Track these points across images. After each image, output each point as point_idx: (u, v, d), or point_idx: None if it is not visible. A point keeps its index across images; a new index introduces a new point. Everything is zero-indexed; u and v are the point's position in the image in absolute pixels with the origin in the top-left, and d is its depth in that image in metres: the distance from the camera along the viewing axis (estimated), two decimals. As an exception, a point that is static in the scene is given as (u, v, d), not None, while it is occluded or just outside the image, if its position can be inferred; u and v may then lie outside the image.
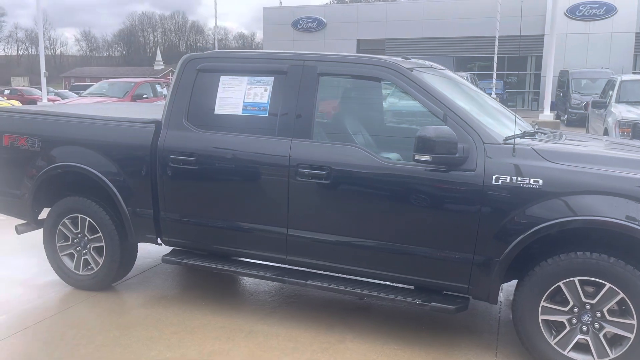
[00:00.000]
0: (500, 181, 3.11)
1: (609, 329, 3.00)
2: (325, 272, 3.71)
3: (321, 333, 3.67)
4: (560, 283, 3.06)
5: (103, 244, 4.24)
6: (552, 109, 19.46)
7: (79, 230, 4.34)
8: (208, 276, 4.71)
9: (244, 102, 3.80)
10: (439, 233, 3.29)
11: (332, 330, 3.70)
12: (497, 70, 27.04)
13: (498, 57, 27.20)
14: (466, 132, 3.22)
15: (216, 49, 28.41)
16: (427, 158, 3.12)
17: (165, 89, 16.27)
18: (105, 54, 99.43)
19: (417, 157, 3.15)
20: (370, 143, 3.75)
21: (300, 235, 3.61)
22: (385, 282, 3.59)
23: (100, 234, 4.24)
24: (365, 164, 3.41)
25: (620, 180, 2.94)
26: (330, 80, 3.75)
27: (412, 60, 3.80)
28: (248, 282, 4.65)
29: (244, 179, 3.74)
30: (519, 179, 3.08)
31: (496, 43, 26.92)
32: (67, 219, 4.35)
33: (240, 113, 3.80)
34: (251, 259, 3.92)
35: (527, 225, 3.05)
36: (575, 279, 3.02)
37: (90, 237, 4.31)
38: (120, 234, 4.21)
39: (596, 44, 29.44)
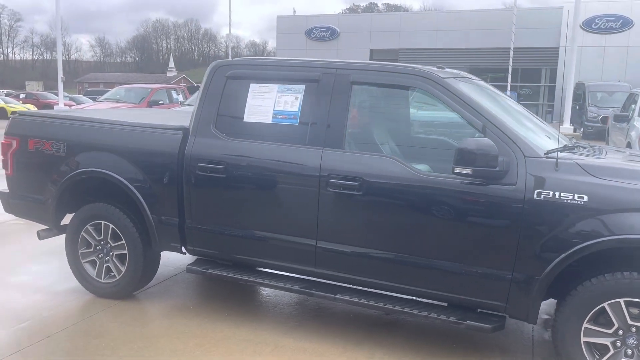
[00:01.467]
0: (542, 196, 3.00)
1: (653, 352, 2.88)
2: (354, 286, 3.61)
3: (349, 349, 3.56)
4: (605, 304, 2.94)
5: (126, 251, 4.17)
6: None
7: (101, 237, 4.27)
8: (230, 286, 4.62)
9: (274, 110, 3.72)
10: (476, 249, 3.18)
11: (361, 347, 3.59)
12: (511, 82, 26.92)
13: (512, 68, 27.09)
14: (506, 144, 3.12)
15: (230, 57, 28.56)
16: (467, 171, 3.02)
17: (180, 95, 16.29)
18: (118, 60, 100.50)
19: (457, 170, 3.05)
20: (403, 154, 3.65)
21: (329, 247, 3.52)
22: (415, 298, 3.48)
23: (123, 241, 4.17)
24: (399, 175, 3.31)
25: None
26: (363, 89, 3.67)
27: (447, 70, 3.71)
28: (269, 293, 4.55)
29: (273, 188, 3.65)
30: (562, 194, 2.97)
31: (511, 55, 26.84)
32: (90, 225, 4.28)
33: (270, 121, 3.72)
34: (278, 270, 3.82)
35: (571, 243, 2.93)
36: (621, 300, 2.90)
37: (113, 245, 4.24)
38: (143, 242, 4.14)
39: (612, 57, 29.26)
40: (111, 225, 4.20)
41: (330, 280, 3.64)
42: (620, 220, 2.86)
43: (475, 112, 3.25)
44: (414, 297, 3.49)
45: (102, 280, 4.31)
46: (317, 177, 3.48)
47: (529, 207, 3.02)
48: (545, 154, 3.13)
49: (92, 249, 4.33)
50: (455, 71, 3.78)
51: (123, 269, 4.21)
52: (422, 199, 3.27)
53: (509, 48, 26.90)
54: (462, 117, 3.30)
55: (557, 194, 2.97)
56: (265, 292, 4.59)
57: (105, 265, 4.29)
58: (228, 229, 3.81)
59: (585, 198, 2.92)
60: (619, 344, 2.95)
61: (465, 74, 3.99)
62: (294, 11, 41.74)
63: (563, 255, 2.94)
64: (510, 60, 26.89)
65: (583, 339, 3.00)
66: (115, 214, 4.17)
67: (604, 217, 2.88)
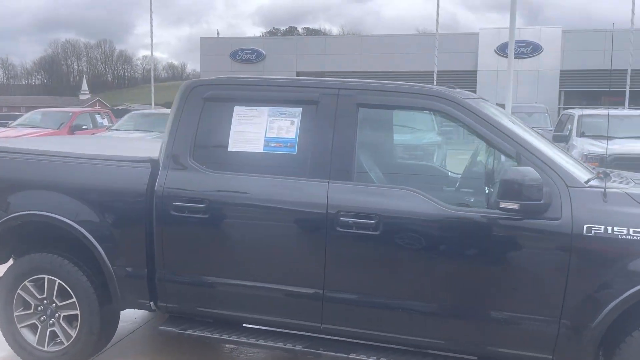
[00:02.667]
0: (593, 232, 2.64)
1: None
2: (369, 342, 3.07)
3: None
4: (665, 350, 2.60)
5: (77, 311, 3.40)
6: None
7: (44, 295, 3.47)
8: (202, 347, 3.92)
9: (265, 137, 3.16)
10: (515, 294, 2.77)
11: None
12: (435, 104, 27.64)
13: (437, 91, 27.83)
14: (546, 173, 2.75)
15: (152, 79, 27.26)
16: (515, 206, 2.61)
17: (105, 119, 15.07)
18: (24, 82, 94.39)
19: (503, 205, 2.63)
20: (424, 185, 3.19)
21: (339, 297, 2.98)
22: (439, 353, 3.01)
23: (74, 299, 3.40)
24: (423, 211, 2.85)
25: None
26: (373, 112, 3.20)
27: (458, 90, 3.32)
28: (253, 354, 3.89)
29: (268, 229, 3.07)
30: (615, 229, 2.62)
31: (435, 77, 27.61)
32: (29, 281, 3.48)
33: (261, 150, 3.15)
34: (275, 327, 3.21)
35: (627, 285, 2.58)
36: (683, 345, 2.58)
37: (59, 304, 3.45)
38: (100, 299, 3.39)
39: (524, 80, 30.89)
40: (57, 281, 3.42)
41: (340, 337, 3.09)
42: (683, 256, 2.55)
43: (506, 137, 2.86)
44: (437, 352, 3.01)
45: (46, 349, 3.49)
46: (323, 215, 2.95)
47: (578, 244, 2.65)
48: (585, 182, 2.80)
49: (31, 311, 3.52)
50: (467, 92, 3.40)
51: (73, 333, 3.43)
52: (451, 238, 2.82)
53: (433, 71, 27.65)
54: (490, 142, 2.91)
55: (609, 228, 2.63)
56: (245, 351, 3.93)
57: (49, 330, 3.48)
58: (212, 279, 3.17)
59: (642, 232, 2.59)
60: (680, 396, 2.62)
61: (478, 95, 3.63)
62: (218, 33, 41.00)
63: (620, 299, 2.59)
64: (435, 82, 27.58)
65: (638, 394, 2.65)
66: (63, 267, 3.40)
67: (664, 254, 2.57)
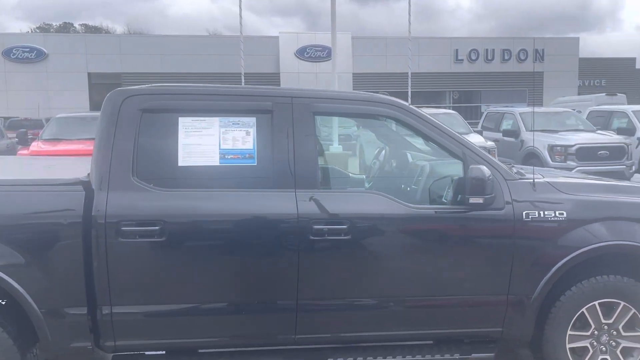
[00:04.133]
0: (530, 217, 3.11)
1: (625, 343, 3.25)
2: (341, 345, 3.14)
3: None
4: (584, 309, 3.19)
5: (-7, 373, 2.80)
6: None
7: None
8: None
9: (220, 149, 3.00)
10: (473, 278, 3.12)
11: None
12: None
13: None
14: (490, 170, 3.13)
15: None
16: (480, 200, 2.94)
17: None
18: None
19: (472, 200, 2.93)
20: (385, 187, 3.35)
21: (313, 305, 2.99)
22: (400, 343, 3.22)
23: (-20, 358, 2.79)
24: (391, 212, 3.02)
25: (636, 206, 3.25)
26: (327, 120, 3.25)
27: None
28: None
29: (237, 245, 2.93)
30: (545, 212, 3.13)
31: (242, 80, 27.93)
32: None
33: (217, 163, 2.98)
34: (248, 346, 3.07)
35: (559, 255, 3.11)
36: (596, 303, 3.20)
37: (-36, 368, 2.80)
38: (22, 350, 2.85)
39: (323, 83, 33.07)
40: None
41: (314, 344, 3.09)
42: (593, 229, 3.16)
43: (452, 139, 3.19)
44: (393, 343, 3.21)
45: None
46: (294, 223, 2.92)
47: (519, 229, 3.10)
48: (515, 174, 3.26)
49: None
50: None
51: (-15, 399, 2.82)
52: (418, 234, 3.05)
53: (240, 73, 27.91)
54: (438, 144, 3.20)
55: (541, 213, 3.12)
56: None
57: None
58: (175, 307, 2.90)
59: (565, 213, 3.14)
60: (595, 343, 3.24)
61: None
62: (-15, 27, 35.45)
63: (550, 272, 3.10)
64: (242, 83, 27.89)
65: (568, 346, 3.21)
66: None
67: (583, 229, 3.14)
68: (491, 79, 33.50)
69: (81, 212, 2.81)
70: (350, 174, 4.05)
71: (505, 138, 12.50)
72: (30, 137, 12.97)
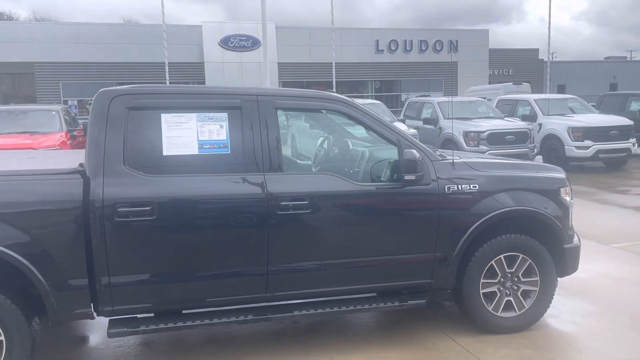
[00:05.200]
0: (450, 190, 3.90)
1: (523, 287, 4.14)
2: (305, 300, 3.80)
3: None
4: (493, 262, 4.04)
5: (2, 338, 3.21)
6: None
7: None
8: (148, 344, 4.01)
9: (198, 140, 3.54)
10: (408, 240, 3.86)
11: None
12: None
13: (170, 82, 27.94)
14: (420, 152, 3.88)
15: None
16: (413, 177, 3.68)
17: None
18: None
19: (407, 177, 3.66)
20: (337, 169, 4.01)
21: (280, 269, 3.62)
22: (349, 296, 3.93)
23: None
24: (343, 189, 3.71)
25: (531, 179, 4.12)
26: (287, 114, 3.86)
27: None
28: (197, 335, 4.16)
29: (215, 222, 3.50)
30: (462, 186, 3.93)
31: (167, 70, 27.62)
32: None
33: (196, 152, 3.52)
34: (226, 305, 3.65)
35: (473, 220, 3.92)
36: (502, 256, 4.05)
37: (-13, 343, 3.19)
38: (28, 319, 3.28)
39: (249, 72, 33.23)
40: (-27, 314, 3.16)
41: (283, 300, 3.73)
42: (503, 198, 4.00)
43: (388, 128, 3.91)
44: (346, 296, 3.92)
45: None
46: (264, 201, 3.53)
47: (442, 200, 3.88)
48: (439, 156, 4.04)
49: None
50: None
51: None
52: (365, 205, 3.75)
53: (164, 63, 27.58)
54: (378, 133, 3.91)
55: (458, 186, 3.92)
56: (191, 338, 4.16)
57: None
58: (165, 275, 3.43)
59: (477, 187, 3.96)
60: (501, 288, 4.10)
61: None
62: None
63: (467, 234, 3.91)
64: (167, 74, 27.60)
65: (481, 291, 4.04)
66: (-19, 295, 3.15)
67: (491, 198, 3.97)
68: (410, 68, 35.14)
69: (80, 196, 3.27)
70: (298, 161, 4.68)
71: (426, 126, 13.60)
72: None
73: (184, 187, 3.45)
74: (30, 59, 30.90)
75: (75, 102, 30.68)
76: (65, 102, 29.65)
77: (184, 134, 3.52)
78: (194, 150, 3.52)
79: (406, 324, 4.34)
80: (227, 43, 32.97)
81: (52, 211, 3.24)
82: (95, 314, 3.42)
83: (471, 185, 3.95)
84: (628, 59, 52.61)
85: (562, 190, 4.23)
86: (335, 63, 27.90)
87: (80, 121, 12.61)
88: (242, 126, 3.62)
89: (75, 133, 10.90)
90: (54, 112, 10.84)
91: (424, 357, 3.79)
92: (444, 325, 4.30)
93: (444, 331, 4.20)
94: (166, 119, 3.51)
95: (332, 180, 3.72)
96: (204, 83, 32.31)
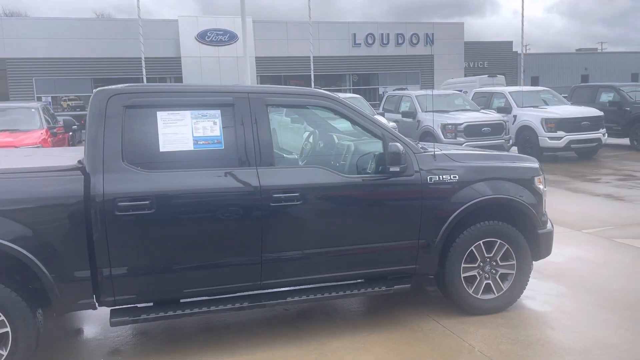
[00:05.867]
0: (432, 180, 4.13)
1: (501, 271, 4.40)
2: (297, 287, 4.00)
3: (306, 346, 3.95)
4: (472, 247, 4.29)
5: (8, 329, 3.35)
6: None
7: (-34, 323, 3.28)
8: (137, 336, 4.16)
9: (193, 136, 3.70)
10: (393, 228, 4.08)
11: (314, 340, 4.03)
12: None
13: (147, 78, 27.72)
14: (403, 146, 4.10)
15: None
16: (397, 169, 3.89)
17: None
18: None
19: (392, 169, 3.88)
20: (326, 162, 4.20)
21: (273, 257, 3.81)
22: (337, 283, 4.15)
23: (2, 317, 3.32)
24: (332, 181, 3.91)
25: (507, 169, 4.38)
26: (277, 110, 4.03)
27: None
28: (191, 325, 4.32)
29: (210, 214, 3.66)
30: (443, 176, 4.16)
31: (143, 64, 27.41)
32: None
33: (192, 148, 3.68)
34: (223, 294, 3.82)
35: (454, 208, 4.15)
36: (481, 242, 4.31)
37: (-11, 331, 3.32)
38: (34, 312, 3.42)
39: (226, 66, 33.14)
40: (-20, 306, 3.28)
41: (276, 288, 3.92)
42: (481, 187, 4.24)
43: (373, 123, 4.12)
44: (335, 282, 4.13)
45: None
46: (257, 194, 3.71)
47: (425, 190, 4.11)
48: (421, 149, 4.27)
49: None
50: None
51: (4, 352, 3.36)
52: (353, 196, 3.96)
53: (140, 58, 27.34)
54: (363, 128, 4.11)
55: (440, 177, 4.15)
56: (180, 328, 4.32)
57: (-15, 356, 3.32)
58: (164, 265, 3.60)
59: (457, 177, 4.19)
60: (481, 272, 4.36)
61: None
62: None
63: (452, 217, 4.15)
64: (143, 69, 27.40)
65: (462, 275, 4.29)
66: (-10, 289, 3.28)
67: (470, 187, 4.21)
68: (387, 62, 35.44)
69: (82, 192, 3.41)
70: (285, 155, 4.86)
71: (404, 119, 13.86)
72: None
73: (181, 182, 3.61)
74: (2, 55, 30.32)
75: (49, 99, 30.24)
76: (39, 99, 29.22)
77: (180, 131, 3.67)
78: (189, 146, 3.68)
79: (392, 309, 4.57)
80: (203, 37, 32.78)
81: (54, 206, 3.38)
82: (97, 304, 3.57)
83: (451, 176, 4.18)
84: (599, 51, 53.87)
85: (536, 179, 4.50)
86: (313, 57, 28.00)
87: (59, 118, 12.57)
88: (234, 122, 3.79)
89: (55, 130, 10.89)
90: (33, 110, 10.81)
91: (410, 338, 4.02)
92: (427, 309, 4.55)
93: (427, 314, 4.44)
94: (162, 116, 3.66)
95: (321, 173, 3.92)
96: (181, 78, 32.17)
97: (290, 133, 5.21)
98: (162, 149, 3.62)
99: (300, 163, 4.55)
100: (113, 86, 3.71)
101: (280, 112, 4.81)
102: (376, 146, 4.15)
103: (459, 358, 3.74)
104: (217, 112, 3.78)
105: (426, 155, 4.21)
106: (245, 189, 3.70)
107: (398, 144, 3.91)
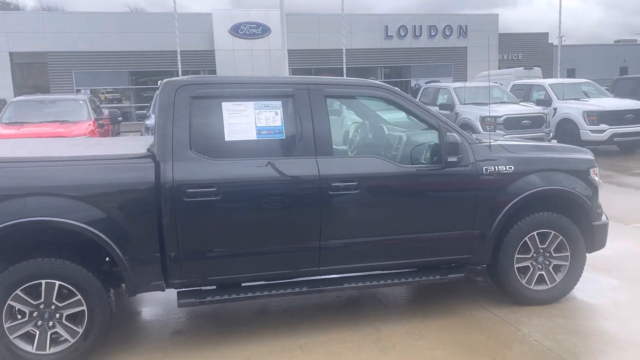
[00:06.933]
0: (488, 171, 4.16)
1: (555, 262, 4.42)
2: (353, 274, 4.10)
3: (361, 331, 4.05)
4: (526, 238, 4.31)
5: (84, 307, 3.53)
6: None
7: (41, 300, 3.48)
8: (190, 319, 4.34)
9: (256, 126, 3.82)
10: (448, 218, 4.13)
11: (364, 325, 4.13)
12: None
13: (182, 71, 28.15)
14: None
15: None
16: (455, 159, 3.95)
17: None
18: None
19: (450, 159, 3.93)
20: (382, 152, 4.28)
21: (331, 244, 3.91)
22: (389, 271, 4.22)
23: (79, 296, 3.51)
24: (388, 170, 3.98)
25: (562, 160, 4.38)
26: (335, 101, 4.13)
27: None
28: (233, 311, 4.47)
29: (273, 201, 3.78)
30: (498, 167, 4.19)
31: (178, 58, 27.83)
32: (21, 290, 3.43)
33: (255, 138, 3.80)
34: (282, 279, 3.95)
35: (509, 199, 4.18)
36: (535, 233, 4.32)
37: (60, 305, 3.51)
38: (107, 290, 3.60)
39: (259, 60, 33.36)
40: (57, 283, 3.48)
41: (333, 274, 4.03)
42: (535, 178, 4.26)
43: (429, 113, 4.17)
44: (389, 270, 4.21)
45: (48, 352, 3.52)
46: (317, 183, 3.81)
47: (481, 180, 4.14)
48: (476, 139, 4.30)
49: (25, 319, 3.47)
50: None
51: (80, 329, 3.55)
52: (408, 186, 4.03)
53: (176, 51, 27.76)
54: (419, 118, 4.17)
55: (495, 167, 4.18)
56: (241, 314, 4.47)
57: (49, 333, 3.51)
58: (228, 250, 3.74)
59: (512, 167, 4.22)
60: (534, 263, 4.38)
61: None
62: None
63: (505, 209, 4.18)
64: (179, 62, 27.80)
65: (515, 266, 4.32)
66: (65, 268, 3.47)
67: (524, 179, 4.23)
68: (419, 54, 35.16)
69: (153, 179, 3.56)
70: (339, 146, 4.94)
71: (442, 111, 13.79)
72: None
73: (245, 170, 3.73)
74: (43, 48, 31.18)
75: (88, 91, 30.99)
76: (78, 91, 29.94)
77: (243, 121, 3.80)
78: (252, 135, 3.80)
79: (443, 297, 4.63)
80: (237, 31, 33.04)
81: (127, 192, 3.55)
82: (165, 286, 3.73)
83: (507, 167, 4.21)
84: (638, 42, 52.27)
85: (591, 170, 4.49)
86: (345, 49, 27.97)
87: (105, 110, 12.93)
88: (294, 113, 3.89)
89: (101, 121, 11.21)
90: (81, 102, 11.16)
91: (464, 326, 4.08)
92: (478, 298, 4.60)
93: (478, 303, 4.49)
94: (227, 107, 3.79)
95: (377, 162, 4.00)
96: (214, 71, 32.53)
97: (343, 124, 5.29)
98: (227, 139, 3.75)
99: (350, 153, 4.62)
100: (180, 77, 3.86)
101: (336, 105, 4.90)
102: (429, 137, 4.20)
103: (514, 346, 3.78)
104: (279, 103, 3.89)
105: (482, 146, 4.24)
106: (305, 177, 3.81)
107: (455, 135, 3.96)
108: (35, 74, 33.68)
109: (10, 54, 31.20)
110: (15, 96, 21.30)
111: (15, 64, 31.87)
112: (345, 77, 4.71)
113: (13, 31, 30.96)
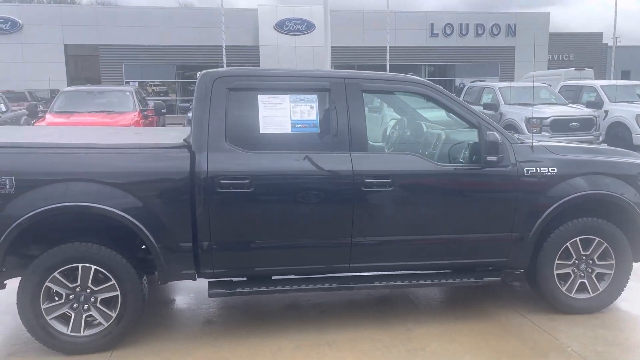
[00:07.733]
0: (529, 172, 4.01)
1: (598, 270, 4.22)
2: (385, 273, 4.03)
3: (392, 330, 3.98)
4: (568, 244, 4.13)
5: (118, 292, 3.60)
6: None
7: (77, 283, 3.56)
8: (217, 310, 4.38)
9: (291, 119, 3.79)
10: (485, 220, 4.00)
11: (395, 324, 4.06)
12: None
13: (227, 64, 28.51)
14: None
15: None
16: (494, 159, 3.82)
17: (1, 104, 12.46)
18: None
19: (489, 159, 3.81)
20: (418, 149, 4.20)
21: (363, 241, 3.85)
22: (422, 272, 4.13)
23: (113, 282, 3.58)
24: (423, 168, 3.89)
25: (610, 164, 4.19)
26: (372, 96, 4.06)
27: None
28: (257, 305, 4.49)
29: (305, 195, 3.75)
30: (540, 169, 4.03)
31: (224, 52, 28.20)
32: (58, 272, 3.52)
33: (289, 131, 3.78)
34: (312, 273, 3.93)
35: (550, 202, 4.02)
36: (577, 239, 4.14)
37: (95, 289, 3.59)
38: (140, 277, 3.66)
39: (302, 55, 33.45)
40: (93, 267, 3.55)
41: (364, 272, 3.98)
42: (577, 182, 4.08)
43: (469, 111, 4.06)
44: (422, 271, 4.12)
45: (83, 334, 3.60)
46: (350, 178, 3.76)
47: (521, 181, 4.00)
48: (517, 139, 4.15)
49: (62, 301, 3.57)
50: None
51: (114, 314, 3.62)
52: (444, 185, 3.93)
53: (221, 46, 28.11)
54: (458, 116, 4.06)
55: (537, 169, 4.03)
56: (259, 308, 4.49)
57: (84, 316, 3.60)
58: (259, 242, 3.74)
59: (555, 169, 4.05)
60: (575, 270, 4.20)
61: None
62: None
63: (547, 212, 4.02)
64: (224, 57, 28.16)
65: (555, 272, 4.15)
66: (101, 253, 3.54)
67: (567, 182, 4.06)
68: (465, 53, 34.46)
69: (188, 168, 3.59)
70: (374, 142, 4.88)
71: (486, 111, 13.46)
72: (40, 109, 13.42)
73: (278, 163, 3.72)
74: (96, 41, 32.16)
75: (136, 83, 31.80)
76: (127, 83, 30.76)
77: (279, 114, 3.78)
78: (287, 129, 3.78)
79: (477, 301, 4.51)
80: (281, 27, 33.24)
81: (163, 180, 3.59)
82: (196, 275, 3.76)
83: (550, 169, 4.05)
84: (699, 45, 49.65)
85: (640, 175, 4.27)
86: (389, 47, 27.71)
87: (150, 102, 13.23)
88: (330, 107, 3.85)
89: (146, 113, 11.47)
90: (127, 93, 11.45)
91: (498, 331, 3.96)
92: (514, 303, 4.45)
93: (514, 309, 4.35)
94: (262, 99, 3.78)
95: (412, 159, 3.91)
96: (258, 66, 32.84)
97: (379, 120, 5.22)
98: (262, 131, 3.75)
99: (386, 149, 4.54)
100: (217, 69, 3.88)
101: (372, 100, 4.82)
102: (468, 135, 4.08)
103: (551, 355, 3.64)
104: (314, 97, 3.85)
105: (523, 146, 4.09)
106: (338, 172, 3.76)
107: (496, 134, 3.83)
108: (88, 66, 34.86)
109: (65, 46, 32.34)
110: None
111: (69, 56, 33.01)
112: (382, 72, 4.62)
113: (68, 24, 32.07)
